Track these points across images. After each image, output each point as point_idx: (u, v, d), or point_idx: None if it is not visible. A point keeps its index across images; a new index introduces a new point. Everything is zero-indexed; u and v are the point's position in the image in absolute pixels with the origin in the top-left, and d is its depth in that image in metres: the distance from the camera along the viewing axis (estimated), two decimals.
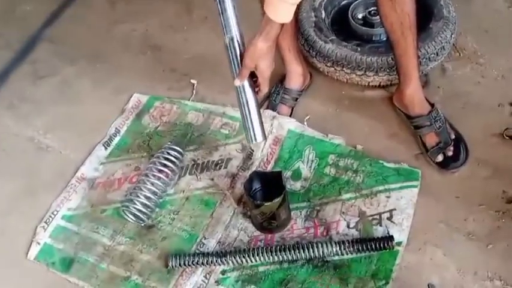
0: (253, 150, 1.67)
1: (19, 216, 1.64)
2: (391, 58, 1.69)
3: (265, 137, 1.32)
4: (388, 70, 1.72)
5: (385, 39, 1.83)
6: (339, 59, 1.74)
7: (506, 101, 1.70)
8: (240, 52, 1.26)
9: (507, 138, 1.61)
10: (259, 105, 1.31)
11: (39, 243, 1.56)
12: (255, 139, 1.30)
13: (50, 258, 1.53)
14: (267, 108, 1.78)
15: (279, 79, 1.82)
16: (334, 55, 1.75)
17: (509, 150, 1.59)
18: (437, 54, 1.74)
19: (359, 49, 1.75)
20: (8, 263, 1.55)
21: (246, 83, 1.28)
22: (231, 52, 1.26)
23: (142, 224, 1.56)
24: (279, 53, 1.72)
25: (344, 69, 1.75)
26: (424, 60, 1.70)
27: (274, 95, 1.78)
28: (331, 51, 1.75)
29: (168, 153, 1.63)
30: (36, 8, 2.30)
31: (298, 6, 1.60)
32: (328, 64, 1.77)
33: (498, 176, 1.54)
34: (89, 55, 2.07)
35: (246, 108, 1.29)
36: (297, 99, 1.78)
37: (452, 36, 1.78)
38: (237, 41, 1.24)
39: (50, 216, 1.61)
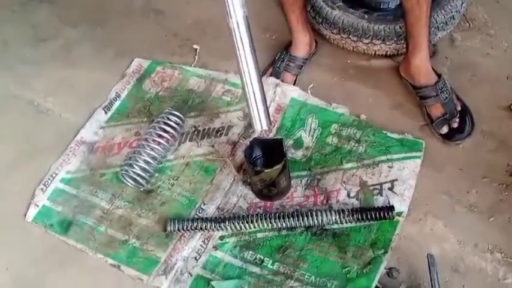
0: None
1: (18, 178, 1.63)
2: (399, 27, 1.65)
3: (270, 124, 1.30)
4: (395, 39, 1.68)
5: (393, 7, 1.79)
6: (345, 26, 1.70)
7: None
8: (247, 36, 1.17)
9: None
10: (264, 93, 1.27)
11: (37, 205, 1.56)
12: (260, 126, 1.28)
13: (48, 220, 1.53)
14: (271, 75, 1.74)
15: (284, 46, 1.79)
16: (340, 22, 1.71)
17: None
18: (446, 24, 1.70)
19: (366, 16, 1.71)
20: (6, 225, 1.55)
21: (252, 68, 1.22)
22: (237, 36, 1.17)
23: (142, 189, 1.55)
24: (286, 21, 1.69)
25: (350, 36, 1.71)
26: (433, 29, 1.66)
27: (279, 62, 1.74)
28: (338, 17, 1.71)
29: (168, 119, 1.61)
30: None
31: None
32: (335, 31, 1.73)
33: (503, 149, 1.51)
34: (91, 18, 2.04)
35: (252, 95, 1.25)
36: (301, 67, 1.75)
37: (463, 5, 1.73)
38: (244, 24, 1.15)
39: (49, 179, 1.60)
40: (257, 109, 1.26)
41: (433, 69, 1.60)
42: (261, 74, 1.72)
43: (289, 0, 1.61)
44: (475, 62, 1.71)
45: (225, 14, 1.15)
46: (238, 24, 1.15)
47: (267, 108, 1.28)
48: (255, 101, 1.25)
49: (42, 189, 1.58)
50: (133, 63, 1.86)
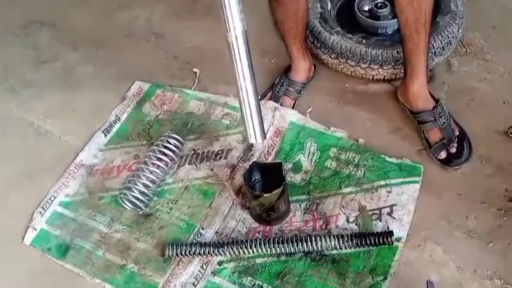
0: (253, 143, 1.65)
1: (17, 200, 1.63)
2: (397, 52, 1.67)
3: (264, 137, 1.30)
4: (393, 64, 1.70)
5: (390, 32, 1.81)
6: (343, 51, 1.72)
7: (511, 98, 1.67)
8: (245, 51, 1.16)
9: (511, 136, 1.58)
10: (260, 107, 1.27)
11: (35, 229, 1.55)
12: (255, 139, 1.28)
13: (45, 244, 1.52)
14: (270, 99, 1.76)
15: (283, 70, 1.80)
16: (338, 47, 1.72)
17: None
18: (443, 49, 1.72)
19: (364, 41, 1.73)
20: (3, 247, 1.54)
21: (249, 83, 1.22)
22: (235, 51, 1.16)
23: (140, 212, 1.55)
24: (286, 49, 1.71)
25: (348, 61, 1.73)
26: (430, 54, 1.67)
27: (278, 86, 1.76)
28: (336, 42, 1.73)
29: (168, 142, 1.62)
30: None
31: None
32: (333, 56, 1.75)
33: (501, 174, 1.52)
34: (92, 41, 2.06)
35: (248, 109, 1.25)
36: (300, 91, 1.76)
37: (460, 31, 1.75)
38: (242, 38, 1.14)
39: (47, 202, 1.60)
40: (252, 122, 1.26)
41: (430, 94, 1.61)
42: (260, 97, 1.75)
43: (291, 34, 1.64)
44: (472, 87, 1.73)
45: (224, 29, 1.14)
46: (236, 39, 1.14)
47: (262, 122, 1.28)
48: (251, 114, 1.25)
49: (40, 212, 1.58)
50: (134, 86, 1.87)
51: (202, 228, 1.50)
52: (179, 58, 1.96)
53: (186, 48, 1.98)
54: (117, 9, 2.16)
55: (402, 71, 1.63)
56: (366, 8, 1.87)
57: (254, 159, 1.61)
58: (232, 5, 1.10)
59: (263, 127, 1.28)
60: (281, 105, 1.73)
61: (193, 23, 2.07)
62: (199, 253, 1.42)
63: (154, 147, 1.61)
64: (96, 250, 1.50)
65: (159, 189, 1.59)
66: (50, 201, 1.60)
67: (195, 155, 1.67)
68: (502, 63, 1.78)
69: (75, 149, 1.72)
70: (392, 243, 1.38)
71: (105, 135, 1.75)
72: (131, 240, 1.50)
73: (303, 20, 1.61)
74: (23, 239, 1.54)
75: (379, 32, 1.81)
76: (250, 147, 1.66)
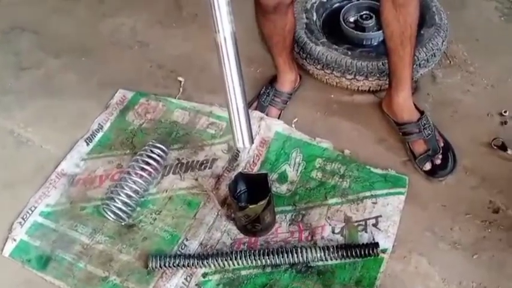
0: (239, 151, 1.64)
1: None
2: (382, 63, 1.68)
3: (252, 142, 1.26)
4: (378, 75, 1.70)
5: (376, 44, 1.82)
6: (329, 62, 1.72)
7: (495, 110, 1.69)
8: (234, 53, 1.14)
9: (495, 147, 1.60)
10: (248, 111, 1.24)
11: (15, 240, 1.51)
12: (243, 144, 1.24)
13: (25, 256, 1.49)
14: (256, 109, 1.75)
15: (269, 80, 1.80)
16: (324, 58, 1.73)
17: (497, 159, 1.58)
18: (427, 61, 1.73)
19: (349, 53, 1.73)
20: None
21: (237, 86, 1.19)
22: (224, 52, 1.14)
23: (123, 223, 1.52)
24: (272, 59, 1.70)
25: (334, 72, 1.73)
26: (415, 66, 1.69)
27: (264, 96, 1.75)
28: (322, 53, 1.73)
29: (152, 151, 1.60)
30: None
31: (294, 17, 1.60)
32: (318, 67, 1.75)
33: (485, 186, 1.53)
34: (75, 48, 2.03)
35: (236, 112, 1.21)
36: (286, 102, 1.76)
37: (444, 43, 1.77)
38: (231, 40, 1.12)
39: (28, 212, 1.56)
40: (240, 126, 1.23)
41: (415, 105, 1.62)
42: (247, 107, 1.73)
43: (278, 47, 1.64)
44: (456, 99, 1.74)
45: (213, 30, 1.12)
46: (225, 40, 1.11)
47: (250, 126, 1.24)
48: (239, 118, 1.22)
49: (20, 222, 1.54)
50: (117, 94, 1.85)
51: (187, 240, 1.48)
52: (164, 66, 1.94)
53: (171, 56, 1.97)
54: (101, 16, 2.14)
55: (387, 82, 1.64)
56: (352, 19, 1.88)
57: (239, 169, 1.60)
58: (221, 5, 1.08)
59: (251, 131, 1.25)
60: (267, 115, 1.72)
61: (178, 32, 2.06)
62: (183, 265, 1.40)
63: (137, 157, 1.59)
64: (77, 262, 1.46)
65: (142, 199, 1.57)
66: (30, 212, 1.56)
67: (179, 165, 1.65)
68: (485, 75, 1.80)
69: (56, 158, 1.69)
70: (378, 255, 1.38)
71: (88, 144, 1.72)
72: (114, 252, 1.47)
73: (290, 34, 1.61)
74: (2, 250, 1.50)
75: (364, 43, 1.82)
76: (235, 157, 1.65)
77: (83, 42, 2.05)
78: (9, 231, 1.53)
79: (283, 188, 1.57)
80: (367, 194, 1.52)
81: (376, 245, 1.38)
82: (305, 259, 1.38)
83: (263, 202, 1.37)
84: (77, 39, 2.06)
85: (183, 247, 1.46)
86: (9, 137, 1.78)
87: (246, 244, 1.46)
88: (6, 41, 2.09)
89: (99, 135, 1.74)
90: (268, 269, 1.40)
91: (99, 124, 1.77)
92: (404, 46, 1.44)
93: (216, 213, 1.53)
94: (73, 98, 1.87)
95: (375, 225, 1.46)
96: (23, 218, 1.55)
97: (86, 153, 1.70)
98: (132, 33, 2.08)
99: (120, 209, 1.50)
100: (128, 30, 2.09)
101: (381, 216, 1.47)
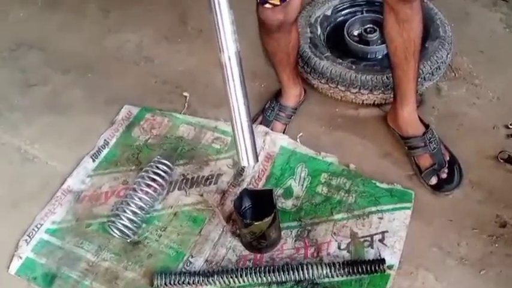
0: (244, 167, 1.64)
1: (1, 228, 1.60)
2: (386, 77, 1.68)
3: (257, 160, 1.25)
4: (382, 89, 1.70)
5: (380, 57, 1.82)
6: (333, 76, 1.72)
7: (501, 123, 1.68)
8: (238, 72, 1.14)
9: (501, 161, 1.59)
10: (252, 129, 1.23)
11: (21, 258, 1.51)
12: (247, 162, 1.23)
13: (31, 273, 1.49)
14: (261, 123, 1.75)
15: (273, 94, 1.80)
16: (328, 72, 1.73)
17: (504, 173, 1.57)
18: (432, 74, 1.73)
19: (354, 67, 1.73)
20: None
21: (242, 104, 1.19)
22: (228, 72, 1.14)
23: (128, 240, 1.52)
24: (276, 75, 1.71)
25: (338, 86, 1.73)
26: (420, 79, 1.68)
27: (269, 111, 1.75)
28: (326, 68, 1.73)
29: (157, 168, 1.60)
30: (30, 14, 2.27)
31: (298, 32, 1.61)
32: (323, 81, 1.75)
33: (492, 200, 1.52)
34: (81, 65, 2.04)
35: (240, 130, 1.21)
36: (291, 116, 1.76)
37: (448, 56, 1.77)
38: (236, 59, 1.13)
39: (34, 230, 1.57)
40: (244, 145, 1.22)
41: (420, 119, 1.61)
42: (252, 125, 1.73)
43: (282, 64, 1.65)
44: (461, 112, 1.73)
45: (217, 49, 1.12)
46: (230, 59, 1.12)
47: (254, 144, 1.24)
48: (243, 136, 1.21)
49: (26, 240, 1.54)
50: (123, 110, 1.86)
51: (192, 257, 1.47)
52: (169, 82, 1.95)
53: (176, 72, 1.98)
54: (107, 33, 2.16)
55: (392, 96, 1.63)
56: (356, 32, 1.88)
57: (245, 184, 1.60)
58: (225, 25, 1.08)
59: (255, 149, 1.24)
60: (272, 130, 1.72)
61: (183, 47, 2.07)
62: (188, 282, 1.39)
63: (143, 173, 1.59)
64: (83, 279, 1.46)
65: (147, 215, 1.57)
66: (36, 229, 1.57)
67: (184, 180, 1.65)
68: (490, 87, 1.79)
69: (62, 175, 1.70)
70: (385, 271, 1.37)
71: (94, 161, 1.73)
72: (119, 269, 1.47)
73: (294, 50, 1.61)
74: (8, 268, 1.50)
75: (368, 56, 1.82)
76: (240, 172, 1.65)
77: (89, 58, 2.07)
78: (15, 249, 1.53)
79: (288, 204, 1.57)
80: (373, 209, 1.51)
81: (383, 261, 1.37)
82: (311, 276, 1.37)
83: (268, 219, 1.37)
84: (83, 56, 2.08)
85: (188, 264, 1.46)
86: (16, 153, 1.79)
87: (252, 261, 1.46)
88: (13, 58, 2.11)
89: (105, 151, 1.75)
90: (274, 286, 1.39)
91: (105, 140, 1.77)
92: (408, 61, 1.44)
93: (221, 230, 1.52)
94: (79, 114, 1.88)
95: (381, 240, 1.45)
96: (29, 236, 1.55)
97: (92, 169, 1.71)
98: (138, 48, 2.09)
99: (125, 226, 1.50)
100: (133, 46, 2.10)
101: (387, 231, 1.46)
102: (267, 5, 1.38)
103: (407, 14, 1.36)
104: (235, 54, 1.12)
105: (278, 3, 1.37)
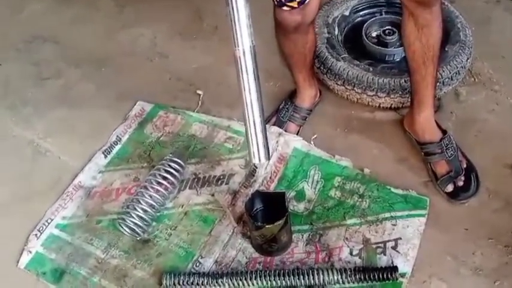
0: (256, 167, 1.62)
1: (12, 221, 1.59)
2: (404, 80, 1.65)
3: (268, 158, 1.23)
4: (400, 92, 1.67)
5: (398, 60, 1.79)
6: (350, 78, 1.69)
7: None
8: (253, 67, 1.13)
9: None
10: (265, 126, 1.22)
11: (30, 252, 1.51)
12: (258, 159, 1.21)
13: (40, 268, 1.49)
14: (274, 124, 1.73)
15: (288, 95, 1.78)
16: (345, 74, 1.70)
17: None
18: (451, 79, 1.69)
19: (371, 69, 1.70)
20: None
21: (255, 100, 1.17)
22: (243, 66, 1.13)
23: (138, 238, 1.51)
24: (291, 75, 1.68)
25: (355, 88, 1.70)
26: (438, 84, 1.65)
27: (283, 111, 1.73)
28: (343, 69, 1.70)
29: (169, 166, 1.58)
30: (46, 7, 2.26)
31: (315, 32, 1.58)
32: (339, 82, 1.73)
33: (509, 209, 1.49)
34: (95, 59, 2.04)
35: (253, 127, 1.19)
36: (306, 118, 1.73)
37: (468, 60, 1.73)
38: (250, 54, 1.11)
39: (44, 224, 1.56)
40: (256, 141, 1.19)
41: (438, 125, 1.58)
42: (265, 122, 1.71)
43: (299, 65, 1.62)
44: (480, 118, 1.70)
45: (232, 44, 1.11)
46: (244, 54, 1.10)
47: (267, 141, 1.21)
48: (255, 132, 1.18)
49: (36, 235, 1.54)
50: (136, 106, 1.84)
51: (202, 257, 1.46)
52: (183, 79, 1.93)
53: (190, 69, 1.96)
54: (121, 27, 2.14)
55: (409, 100, 1.60)
56: (374, 34, 1.85)
57: (256, 185, 1.58)
58: (241, 18, 1.07)
59: (268, 147, 1.21)
60: (285, 131, 1.70)
61: (198, 44, 2.05)
62: (197, 283, 1.38)
63: (154, 171, 1.58)
64: (92, 276, 1.46)
65: (158, 214, 1.55)
66: (46, 224, 1.56)
67: (196, 180, 1.64)
68: (510, 94, 1.75)
69: (73, 170, 1.69)
70: (397, 279, 1.35)
71: (105, 157, 1.72)
72: (128, 267, 1.46)
73: (311, 52, 1.59)
74: (18, 262, 1.50)
75: (386, 59, 1.79)
76: (252, 172, 1.63)
77: (103, 52, 2.06)
78: (25, 243, 1.53)
79: (300, 207, 1.54)
80: (387, 215, 1.49)
81: (395, 268, 1.35)
82: (321, 281, 1.35)
83: (280, 222, 1.35)
84: (96, 50, 2.07)
85: (197, 264, 1.45)
86: (28, 147, 1.78)
87: (262, 264, 1.44)
88: (27, 51, 2.10)
89: (117, 147, 1.74)
90: None
91: (117, 136, 1.76)
92: (426, 66, 1.41)
93: (232, 231, 1.51)
94: (92, 109, 1.87)
95: (394, 247, 1.43)
96: (39, 230, 1.55)
97: (104, 165, 1.70)
98: (152, 44, 2.08)
99: (135, 223, 1.49)
100: (148, 42, 2.09)
101: (400, 238, 1.44)
102: (285, 8, 1.36)
103: (427, 19, 1.33)
104: (250, 48, 1.10)
105: (296, 6, 1.35)
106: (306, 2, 1.35)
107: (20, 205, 1.63)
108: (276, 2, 1.37)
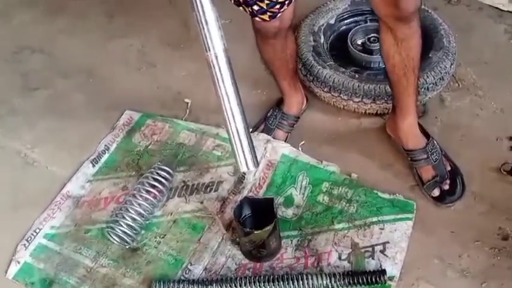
0: (245, 174, 1.63)
1: (0, 232, 1.58)
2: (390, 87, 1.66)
3: (257, 165, 1.19)
4: (386, 98, 1.69)
5: (383, 66, 1.80)
6: (336, 85, 1.71)
7: (504, 135, 1.67)
8: (228, 71, 1.08)
9: (504, 173, 1.57)
10: (249, 131, 1.17)
11: (19, 262, 1.50)
12: (246, 167, 1.16)
13: (29, 278, 1.48)
14: (263, 131, 1.74)
15: (275, 102, 1.79)
16: (331, 81, 1.72)
17: (507, 185, 1.56)
18: (436, 84, 1.72)
19: (357, 76, 1.72)
20: None
21: (235, 105, 1.12)
22: (217, 71, 1.08)
23: (127, 247, 1.51)
24: (276, 83, 1.70)
25: (341, 95, 1.72)
26: (423, 90, 1.68)
27: (271, 118, 1.74)
28: (329, 76, 1.72)
29: (158, 174, 1.59)
30: (34, 17, 2.27)
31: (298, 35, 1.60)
32: (325, 90, 1.75)
33: (494, 212, 1.50)
34: (83, 69, 2.04)
35: (236, 135, 1.14)
36: (294, 125, 1.75)
37: (452, 66, 1.76)
38: (224, 57, 1.06)
39: (32, 234, 1.56)
40: (242, 149, 1.14)
41: (422, 129, 1.60)
42: (253, 129, 1.73)
43: (281, 72, 1.64)
44: (464, 123, 1.72)
45: (203, 49, 1.06)
46: (217, 57, 1.05)
47: (253, 147, 1.15)
48: (239, 140, 1.13)
49: (24, 245, 1.53)
50: (124, 115, 1.85)
51: (191, 264, 1.46)
52: (171, 88, 1.94)
53: (178, 77, 1.97)
54: (109, 37, 2.15)
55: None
56: (359, 41, 1.88)
57: (245, 192, 1.59)
58: (209, 21, 1.02)
59: (254, 153, 1.17)
60: (273, 138, 1.71)
61: (185, 53, 2.06)
62: None
63: (143, 179, 1.58)
64: (81, 286, 1.45)
65: (147, 222, 1.56)
66: (34, 234, 1.56)
67: (184, 187, 1.64)
68: (494, 99, 1.78)
69: (62, 180, 1.69)
70: (385, 282, 1.36)
71: (94, 166, 1.72)
72: (117, 276, 1.46)
73: (292, 57, 1.60)
74: (6, 272, 1.49)
75: (371, 66, 1.82)
76: (241, 179, 1.63)
77: (91, 62, 2.06)
78: (13, 254, 1.52)
79: (289, 212, 1.55)
80: (375, 219, 1.50)
81: (384, 272, 1.36)
82: (311, 286, 1.35)
83: (268, 228, 1.36)
84: (85, 60, 2.07)
85: (187, 272, 1.45)
86: (16, 157, 1.78)
87: (251, 270, 1.45)
88: (15, 61, 2.10)
89: (105, 156, 1.74)
90: None
91: (105, 145, 1.76)
92: (407, 77, 1.40)
93: (221, 238, 1.51)
94: (80, 119, 1.87)
95: (382, 251, 1.44)
96: (27, 240, 1.54)
97: (92, 174, 1.70)
98: (140, 54, 2.09)
99: (124, 232, 1.49)
100: (136, 51, 2.10)
101: (388, 242, 1.45)
102: (257, 19, 1.37)
103: (406, 33, 1.32)
104: (223, 51, 1.05)
105: (267, 19, 1.36)
106: (278, 16, 1.35)
107: (7, 215, 1.62)
108: (248, 12, 1.37)
